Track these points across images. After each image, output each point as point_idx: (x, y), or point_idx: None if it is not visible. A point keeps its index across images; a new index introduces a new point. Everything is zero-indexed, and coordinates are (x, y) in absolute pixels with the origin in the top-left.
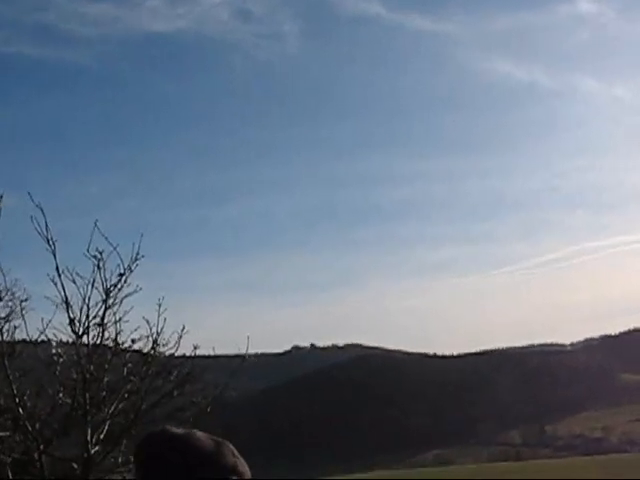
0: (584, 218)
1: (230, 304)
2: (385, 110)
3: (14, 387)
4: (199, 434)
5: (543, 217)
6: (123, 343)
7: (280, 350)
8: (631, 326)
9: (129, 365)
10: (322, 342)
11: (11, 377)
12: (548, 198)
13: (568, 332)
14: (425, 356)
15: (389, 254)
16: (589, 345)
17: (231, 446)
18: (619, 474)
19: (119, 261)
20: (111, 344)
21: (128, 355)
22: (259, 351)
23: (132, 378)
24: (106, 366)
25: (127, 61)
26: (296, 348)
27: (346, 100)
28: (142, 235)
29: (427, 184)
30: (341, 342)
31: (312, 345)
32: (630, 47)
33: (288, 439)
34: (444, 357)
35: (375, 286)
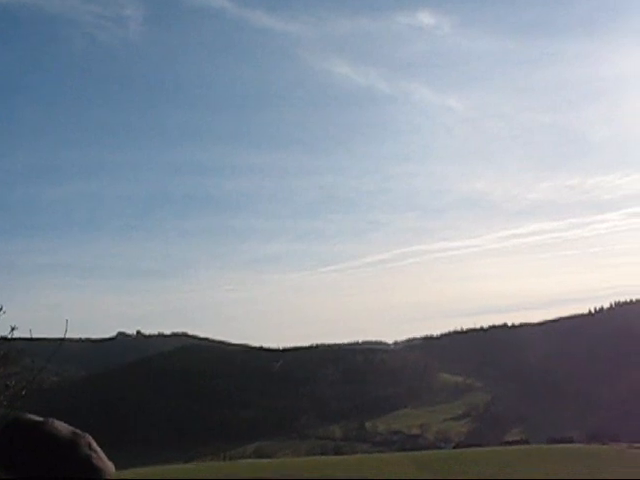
0: (412, 221)
1: (55, 287)
2: (223, 102)
3: None
4: (57, 423)
5: (373, 218)
6: None
7: (105, 336)
8: (451, 328)
9: None
10: (148, 330)
11: None
12: (378, 200)
13: (391, 331)
14: (250, 348)
15: (220, 245)
16: (411, 345)
17: (89, 439)
18: (432, 468)
19: None
20: None
21: None
22: (84, 336)
23: None
24: None
25: None
26: (122, 335)
27: (185, 89)
28: None
29: (260, 178)
30: (167, 331)
31: (138, 332)
32: (464, 61)
33: (106, 428)
34: (269, 350)
35: (205, 276)
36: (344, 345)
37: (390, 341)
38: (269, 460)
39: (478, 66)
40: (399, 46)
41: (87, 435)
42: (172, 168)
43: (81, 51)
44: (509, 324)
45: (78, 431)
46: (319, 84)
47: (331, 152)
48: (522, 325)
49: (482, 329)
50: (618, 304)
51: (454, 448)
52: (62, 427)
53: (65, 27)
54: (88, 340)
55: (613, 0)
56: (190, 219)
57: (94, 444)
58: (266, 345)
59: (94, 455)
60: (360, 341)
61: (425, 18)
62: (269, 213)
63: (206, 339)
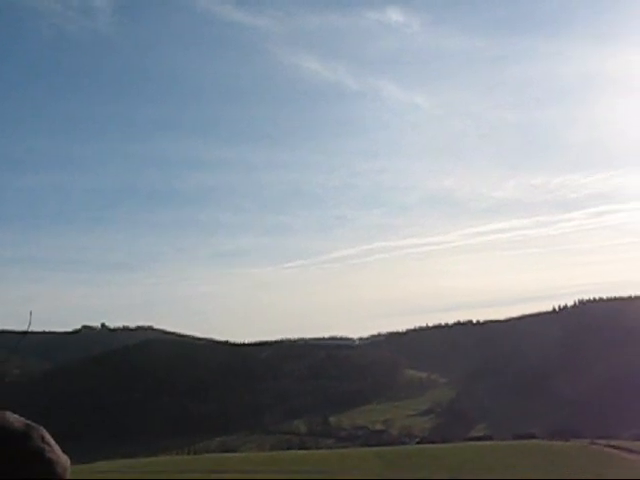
0: (378, 218)
1: (20, 279)
2: (192, 95)
3: None
4: (9, 416)
5: (339, 214)
6: None
7: (70, 329)
8: (417, 324)
9: None
10: (114, 323)
11: None
12: (345, 196)
13: (357, 327)
14: (216, 343)
15: (187, 239)
16: (376, 341)
17: (43, 432)
18: (396, 464)
19: None
20: None
21: None
22: (48, 329)
23: None
24: None
25: None
26: (86, 328)
27: (154, 82)
28: None
29: (228, 172)
30: (133, 324)
31: (103, 325)
32: (432, 58)
33: (67, 421)
34: (234, 345)
35: (171, 270)
36: (309, 340)
37: (355, 337)
38: (233, 454)
39: (447, 64)
40: (368, 42)
41: (41, 428)
42: (140, 161)
43: (49, 42)
44: (474, 321)
45: (32, 424)
46: (288, 79)
47: (299, 147)
48: (487, 322)
49: (447, 325)
50: (582, 302)
51: (418, 444)
52: (15, 419)
53: (33, 18)
54: (52, 333)
55: (580, 0)
56: (157, 212)
57: (48, 437)
58: (231, 340)
59: (47, 448)
60: (325, 336)
61: (395, 15)
62: (236, 207)
63: (171, 333)
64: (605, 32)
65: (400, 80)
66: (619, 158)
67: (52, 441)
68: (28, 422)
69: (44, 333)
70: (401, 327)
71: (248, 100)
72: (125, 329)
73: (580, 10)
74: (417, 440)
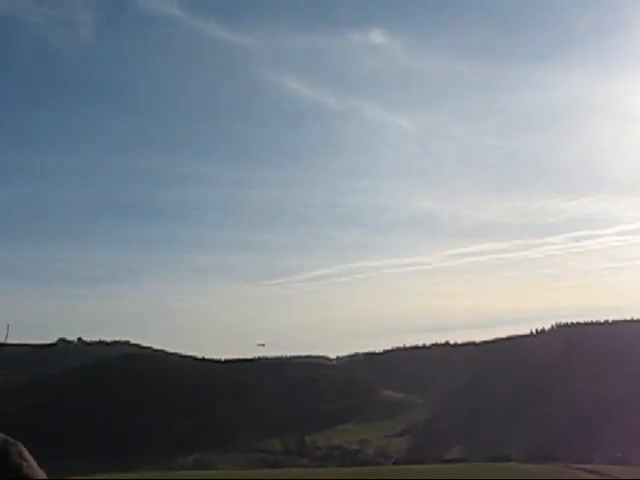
0: (359, 237)
1: None
2: (174, 111)
3: None
4: None
5: (319, 233)
6: None
7: (46, 342)
8: (394, 345)
9: None
10: (90, 337)
11: None
12: (326, 215)
13: (334, 346)
14: (194, 359)
15: (166, 254)
16: (353, 361)
17: (20, 447)
18: None
19: None
20: None
21: None
22: (24, 342)
23: None
24: None
25: None
26: (62, 341)
27: (136, 96)
28: None
29: (208, 188)
30: (109, 338)
31: (79, 339)
32: (414, 81)
33: (41, 435)
34: (212, 361)
35: (150, 285)
36: (286, 358)
37: (333, 356)
38: (210, 472)
39: (428, 86)
40: (351, 63)
41: (19, 443)
42: (120, 175)
43: (31, 53)
44: (452, 342)
45: (9, 439)
46: (270, 98)
47: (281, 165)
48: (465, 344)
49: (425, 346)
50: (560, 326)
51: (393, 464)
52: None
53: (15, 29)
54: (28, 346)
55: (561, 28)
56: (136, 227)
57: (25, 452)
58: (208, 356)
59: (25, 464)
60: (303, 355)
61: (377, 37)
62: (216, 224)
63: (148, 348)
64: (589, 59)
65: (382, 101)
66: (599, 184)
67: (30, 457)
68: (6, 438)
69: (20, 345)
70: (379, 347)
71: (231, 117)
72: (102, 343)
73: (564, 38)
74: (392, 461)
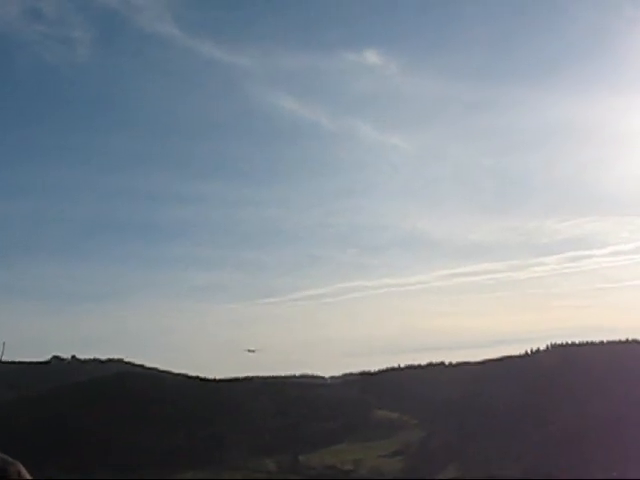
0: (353, 257)
1: None
2: (169, 129)
3: None
4: None
5: (314, 252)
6: None
7: (40, 359)
8: (389, 364)
9: None
10: (84, 355)
11: None
12: (320, 234)
13: (328, 366)
14: (187, 377)
15: (160, 272)
16: (348, 380)
17: (19, 466)
18: None
19: None
20: None
21: None
22: (17, 359)
23: None
24: None
25: None
26: (56, 359)
27: (131, 114)
28: None
29: (203, 207)
30: (103, 356)
31: (73, 357)
32: (409, 101)
33: (34, 453)
34: (205, 380)
35: (144, 303)
36: (280, 378)
37: (327, 375)
38: None
39: (423, 107)
40: (345, 83)
41: (17, 463)
42: (114, 193)
43: (26, 70)
44: (446, 362)
45: (8, 458)
46: (265, 117)
47: (275, 185)
48: (460, 364)
49: (420, 366)
50: (554, 346)
51: None
52: None
53: (10, 45)
54: (22, 363)
55: (558, 49)
56: (131, 245)
57: (24, 471)
58: (202, 375)
59: None
60: (297, 374)
61: (372, 57)
62: (211, 242)
63: (142, 366)
64: (584, 81)
65: (377, 121)
66: (594, 204)
67: (28, 476)
68: (4, 457)
69: (13, 363)
70: (373, 367)
71: (225, 136)
72: (95, 361)
73: (560, 59)
74: None
